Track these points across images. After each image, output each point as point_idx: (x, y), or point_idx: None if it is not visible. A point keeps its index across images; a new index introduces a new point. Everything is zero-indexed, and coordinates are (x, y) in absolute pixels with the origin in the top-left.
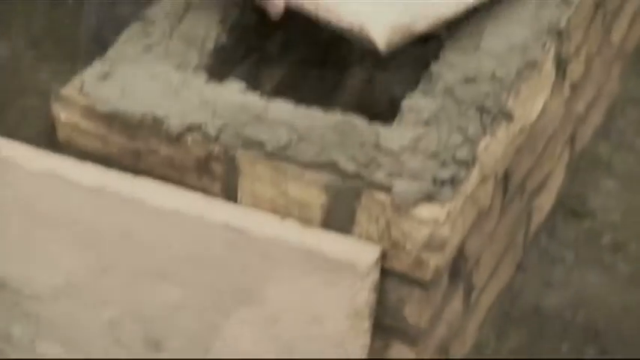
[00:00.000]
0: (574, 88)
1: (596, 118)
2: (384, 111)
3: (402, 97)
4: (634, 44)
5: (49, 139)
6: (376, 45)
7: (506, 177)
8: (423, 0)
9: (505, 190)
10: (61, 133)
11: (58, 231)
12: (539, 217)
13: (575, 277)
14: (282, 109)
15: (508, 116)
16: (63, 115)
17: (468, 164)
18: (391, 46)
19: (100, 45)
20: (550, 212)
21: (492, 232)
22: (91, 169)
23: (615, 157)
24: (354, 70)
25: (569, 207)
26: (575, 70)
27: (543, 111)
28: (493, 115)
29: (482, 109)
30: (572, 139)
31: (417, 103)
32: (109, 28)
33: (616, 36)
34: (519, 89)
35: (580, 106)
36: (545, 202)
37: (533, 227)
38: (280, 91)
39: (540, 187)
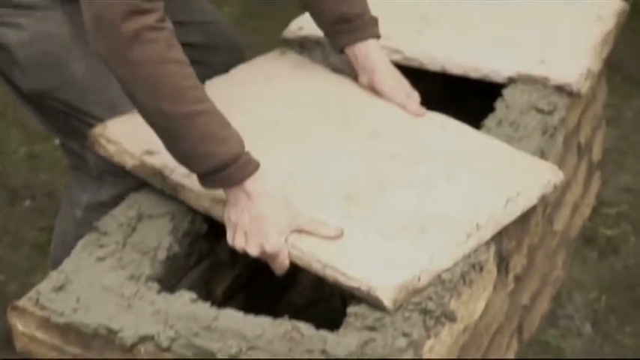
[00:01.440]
0: (518, 280)
1: (542, 306)
2: (337, 305)
3: None
4: (577, 229)
5: (6, 340)
6: (383, 305)
7: None
8: (426, 255)
9: None
10: (19, 343)
11: None
12: None
13: None
14: (232, 318)
15: (451, 318)
16: (20, 325)
17: None
18: (397, 304)
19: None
20: None
21: None
22: None
23: (564, 343)
24: None
25: None
26: (517, 263)
27: (487, 308)
28: (436, 317)
29: (425, 312)
30: (519, 329)
31: (361, 309)
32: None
33: (558, 225)
34: (461, 290)
35: (525, 297)
36: None
37: None
38: (232, 291)
39: None
